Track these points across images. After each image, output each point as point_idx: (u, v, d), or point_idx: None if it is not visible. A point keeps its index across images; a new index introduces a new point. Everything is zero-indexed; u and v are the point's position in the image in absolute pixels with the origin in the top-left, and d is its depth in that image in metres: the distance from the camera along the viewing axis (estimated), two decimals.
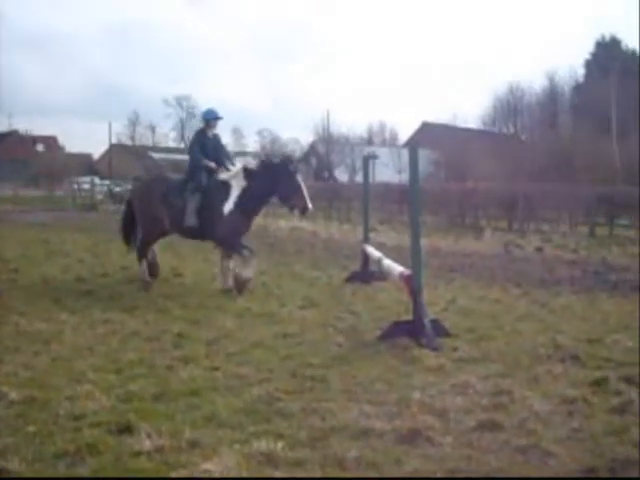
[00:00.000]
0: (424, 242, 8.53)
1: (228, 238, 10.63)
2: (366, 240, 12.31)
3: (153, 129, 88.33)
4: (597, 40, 73.65)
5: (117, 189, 46.92)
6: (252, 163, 11.37)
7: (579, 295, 10.91)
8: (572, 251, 18.20)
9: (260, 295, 10.24)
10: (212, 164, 10.95)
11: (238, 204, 10.64)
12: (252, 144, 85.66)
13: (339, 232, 23.19)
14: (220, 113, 11.50)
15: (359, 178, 45.23)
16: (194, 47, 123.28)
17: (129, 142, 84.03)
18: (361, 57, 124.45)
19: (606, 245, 19.27)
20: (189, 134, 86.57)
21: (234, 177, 10.83)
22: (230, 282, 10.55)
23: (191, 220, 10.68)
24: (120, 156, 71.30)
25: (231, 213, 10.62)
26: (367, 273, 11.78)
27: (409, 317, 7.56)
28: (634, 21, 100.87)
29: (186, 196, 10.77)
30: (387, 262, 9.43)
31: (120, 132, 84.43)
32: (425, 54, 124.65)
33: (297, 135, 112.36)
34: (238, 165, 11.13)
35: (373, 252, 10.81)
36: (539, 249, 18.60)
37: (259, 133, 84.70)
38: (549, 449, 4.36)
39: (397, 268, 8.59)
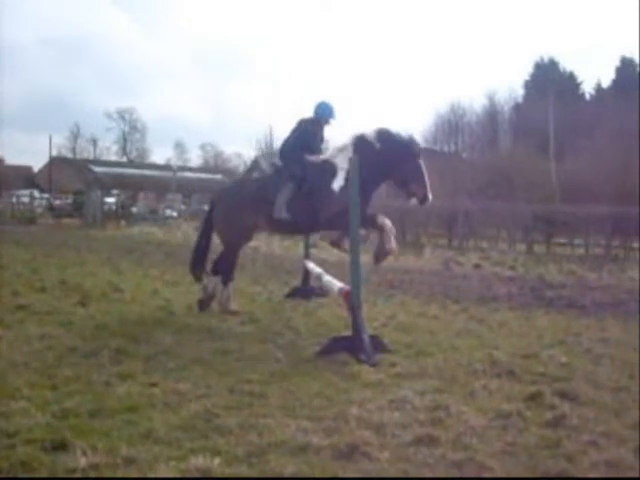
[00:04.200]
0: (364, 258, 8.57)
1: (342, 216, 8.49)
2: (307, 256, 12.35)
3: (95, 142, 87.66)
4: (536, 61, 75.13)
5: (57, 202, 46.38)
6: (368, 134, 9.46)
7: (516, 311, 11.10)
8: (510, 268, 18.52)
9: (199, 310, 10.18)
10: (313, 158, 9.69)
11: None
12: (195, 158, 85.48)
13: (280, 248, 23.20)
14: (335, 113, 10.14)
15: None
16: (137, 61, 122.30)
17: (70, 155, 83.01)
18: (303, 74, 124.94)
19: (543, 262, 19.63)
20: (131, 147, 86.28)
21: (340, 152, 9.49)
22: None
23: (282, 212, 9.56)
24: (61, 169, 70.22)
25: (342, 189, 9.13)
26: (307, 289, 11.81)
27: (348, 333, 7.61)
28: (572, 43, 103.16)
29: (279, 187, 9.66)
30: (327, 278, 9.46)
31: (61, 145, 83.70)
32: (367, 71, 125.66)
33: (240, 150, 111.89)
34: (346, 142, 9.60)
35: (314, 268, 10.85)
36: (478, 266, 18.88)
37: (202, 147, 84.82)
38: (484, 463, 4.41)
39: (337, 284, 8.63)
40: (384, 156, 9.19)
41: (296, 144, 9.89)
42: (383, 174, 9.44)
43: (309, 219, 9.59)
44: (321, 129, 10.15)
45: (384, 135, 9.39)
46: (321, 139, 10.27)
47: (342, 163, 9.25)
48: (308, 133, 9.97)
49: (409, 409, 5.55)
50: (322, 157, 9.73)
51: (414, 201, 9.43)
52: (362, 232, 9.11)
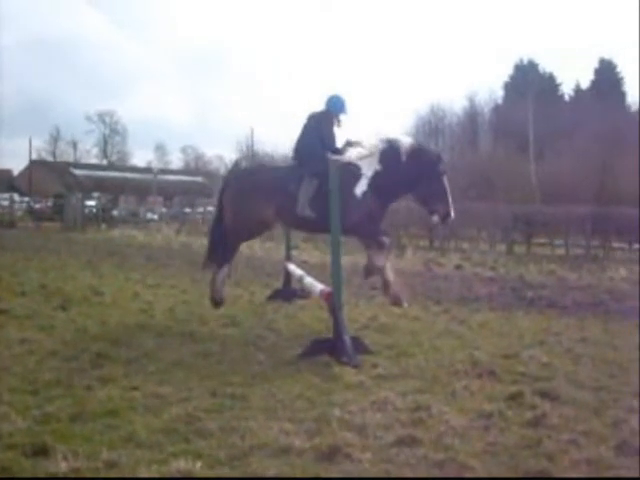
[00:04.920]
0: (346, 260, 8.60)
1: (364, 223, 9.03)
2: (288, 258, 12.34)
3: (75, 145, 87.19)
4: (515, 63, 75.48)
5: (37, 206, 46.13)
6: (401, 144, 9.26)
7: (497, 312, 11.15)
8: (491, 269, 18.57)
9: (181, 314, 10.16)
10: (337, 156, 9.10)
11: (372, 186, 9.10)
12: (176, 161, 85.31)
13: (262, 250, 23.16)
14: (347, 108, 9.72)
15: None
16: (118, 63, 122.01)
17: (50, 158, 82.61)
18: (286, 77, 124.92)
19: (523, 263, 19.70)
20: (112, 150, 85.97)
21: (366, 157, 9.21)
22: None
23: (305, 210, 9.20)
24: (40, 172, 69.93)
25: (365, 195, 9.07)
26: (289, 291, 11.80)
27: (330, 335, 7.62)
28: (552, 45, 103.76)
29: (301, 182, 9.29)
30: (308, 280, 9.46)
31: (41, 148, 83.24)
32: (348, 74, 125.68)
33: (221, 152, 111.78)
34: (374, 142, 9.37)
35: (295, 270, 10.84)
36: (459, 267, 18.93)
37: (183, 150, 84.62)
38: (465, 463, 4.45)
39: (318, 286, 8.64)
40: (410, 170, 9.08)
41: (313, 140, 9.55)
42: (405, 188, 9.38)
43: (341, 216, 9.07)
44: (332, 123, 9.74)
45: (413, 149, 9.24)
46: (334, 133, 9.80)
47: (367, 169, 9.15)
48: (321, 128, 9.62)
49: (391, 410, 5.57)
50: (346, 158, 9.24)
51: (436, 218, 9.31)
52: (386, 240, 9.13)
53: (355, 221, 8.96)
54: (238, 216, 9.64)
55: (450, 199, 9.14)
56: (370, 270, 9.24)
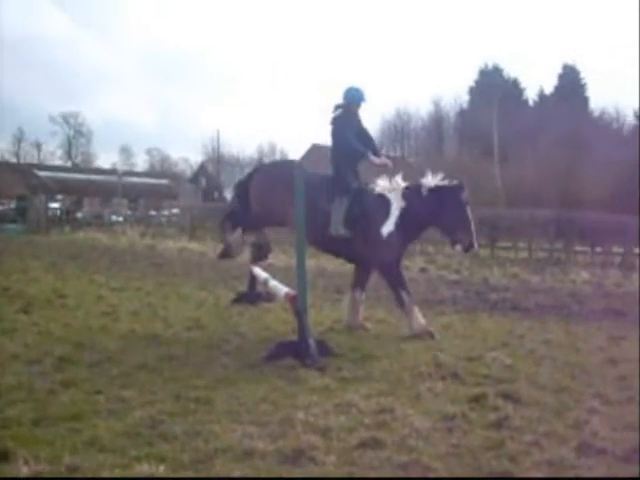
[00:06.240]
0: (311, 263, 8.61)
1: (386, 266, 9.36)
2: (254, 261, 12.30)
3: (39, 146, 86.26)
4: (480, 68, 76.01)
5: (0, 208, 45.55)
6: (421, 183, 9.45)
7: (461, 314, 11.23)
8: (455, 272, 18.68)
9: (145, 317, 10.10)
10: (374, 158, 9.45)
11: (400, 226, 9.25)
12: (141, 163, 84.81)
13: None
14: (365, 95, 9.75)
15: None
16: (83, 65, 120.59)
17: (13, 159, 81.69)
18: (252, 79, 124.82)
19: (487, 266, 19.82)
20: (76, 152, 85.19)
21: (392, 191, 9.41)
22: (357, 320, 9.54)
23: (339, 229, 9.14)
24: (3, 174, 68.92)
25: (391, 235, 9.24)
26: (254, 294, 11.78)
27: (295, 337, 7.62)
28: (516, 50, 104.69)
29: (333, 198, 9.23)
30: (273, 283, 9.45)
31: (4, 149, 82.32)
32: (315, 78, 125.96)
33: (187, 155, 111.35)
34: (398, 180, 9.52)
35: (260, 273, 10.81)
36: (423, 270, 19.00)
37: (148, 152, 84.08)
38: (429, 465, 4.47)
39: (283, 289, 8.64)
40: (433, 202, 9.24)
41: (350, 141, 9.47)
42: (429, 220, 9.55)
43: (366, 248, 9.35)
44: (356, 115, 9.77)
45: (435, 182, 9.38)
46: (362, 126, 9.90)
47: (395, 206, 9.31)
48: (353, 127, 9.61)
49: (355, 413, 5.58)
50: (379, 188, 9.47)
51: (459, 248, 9.47)
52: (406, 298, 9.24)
53: (379, 261, 9.32)
54: (263, 209, 9.56)
55: (473, 229, 9.28)
56: (418, 332, 9.06)
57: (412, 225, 9.38)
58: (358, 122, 9.80)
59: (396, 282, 9.31)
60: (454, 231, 9.35)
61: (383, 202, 9.36)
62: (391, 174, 9.57)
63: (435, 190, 9.30)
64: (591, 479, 4.36)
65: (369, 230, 9.25)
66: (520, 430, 5.22)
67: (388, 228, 9.24)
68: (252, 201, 9.67)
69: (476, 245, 9.43)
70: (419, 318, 9.14)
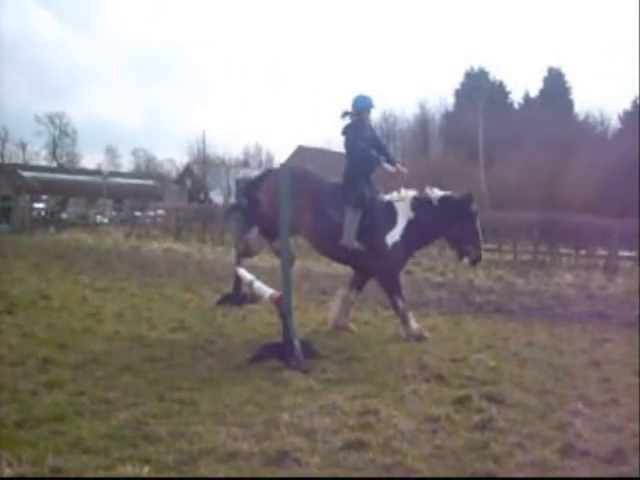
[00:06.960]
0: (296, 264, 8.62)
1: (388, 276, 9.28)
2: (239, 262, 12.30)
3: (24, 147, 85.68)
4: (466, 71, 76.13)
5: None
6: (428, 194, 9.39)
7: (446, 316, 11.24)
8: (440, 274, 18.69)
9: (129, 318, 10.06)
10: (388, 165, 9.37)
11: (405, 237, 9.23)
12: (127, 164, 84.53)
13: (213, 254, 23.08)
14: (374, 101, 9.69)
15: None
16: (68, 64, 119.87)
17: None
18: (239, 80, 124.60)
19: (472, 268, 19.84)
20: (61, 152, 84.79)
21: (401, 201, 9.38)
22: (344, 320, 9.50)
23: (351, 241, 9.08)
24: None
25: (395, 246, 9.21)
26: (239, 295, 11.77)
27: (279, 339, 7.62)
28: (502, 53, 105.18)
29: (346, 209, 9.15)
30: (258, 284, 9.44)
31: None
32: (301, 80, 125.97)
33: (173, 156, 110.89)
34: (405, 191, 9.46)
35: (245, 274, 10.80)
36: (409, 272, 18.97)
37: (134, 153, 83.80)
38: (413, 466, 4.50)
39: (268, 290, 8.64)
40: (442, 213, 9.20)
41: (364, 147, 9.40)
42: (438, 232, 9.60)
43: (370, 257, 9.26)
44: (366, 122, 9.71)
45: (442, 197, 9.34)
46: (374, 133, 9.92)
47: (402, 217, 9.30)
48: (365, 135, 9.55)
49: (339, 414, 5.59)
50: (388, 197, 9.48)
51: (466, 261, 9.45)
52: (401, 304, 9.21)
53: (382, 270, 9.26)
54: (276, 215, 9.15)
55: (481, 242, 9.29)
56: (413, 336, 9.04)
57: (419, 236, 9.37)
58: (370, 130, 9.78)
59: (393, 289, 9.28)
60: (462, 243, 9.32)
61: (391, 211, 9.34)
62: (403, 181, 9.56)
63: (444, 200, 9.28)
64: (574, 479, 4.38)
65: (375, 238, 9.21)
66: (504, 432, 5.24)
67: (393, 238, 9.23)
68: (264, 204, 9.47)
69: (482, 257, 9.40)
70: (413, 322, 9.16)
